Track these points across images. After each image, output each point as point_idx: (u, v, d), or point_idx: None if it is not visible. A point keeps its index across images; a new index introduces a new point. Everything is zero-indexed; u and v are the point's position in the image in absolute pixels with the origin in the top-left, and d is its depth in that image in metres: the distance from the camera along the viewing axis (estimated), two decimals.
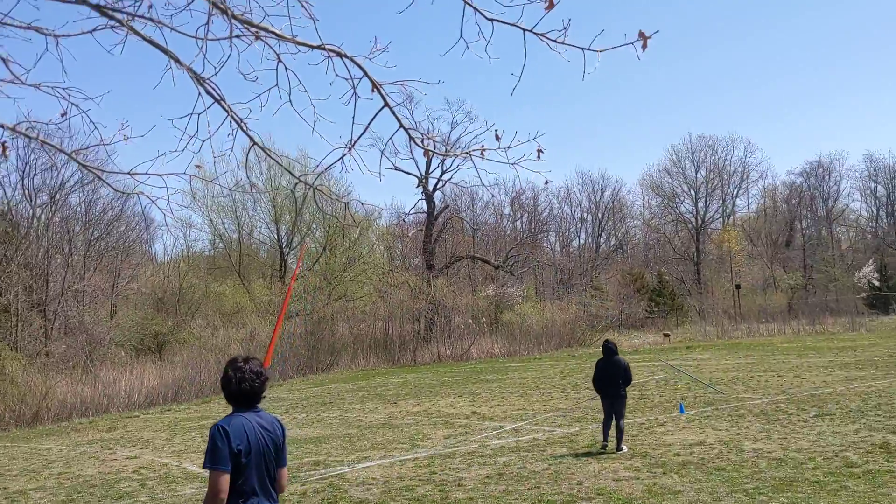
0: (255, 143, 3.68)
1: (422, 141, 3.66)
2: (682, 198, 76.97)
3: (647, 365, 28.48)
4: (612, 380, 11.91)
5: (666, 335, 46.74)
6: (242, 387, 3.99)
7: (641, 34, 2.93)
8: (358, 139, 3.62)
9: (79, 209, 41.09)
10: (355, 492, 9.96)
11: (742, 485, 8.88)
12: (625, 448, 11.66)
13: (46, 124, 4.56)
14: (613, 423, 11.91)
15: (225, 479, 3.75)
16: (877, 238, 73.09)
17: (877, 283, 59.46)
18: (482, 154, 3.63)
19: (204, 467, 3.86)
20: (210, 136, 3.56)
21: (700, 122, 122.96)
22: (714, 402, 16.43)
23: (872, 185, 74.62)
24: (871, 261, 63.32)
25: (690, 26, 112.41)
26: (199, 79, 3.39)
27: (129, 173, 4.10)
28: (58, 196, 37.93)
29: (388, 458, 12.36)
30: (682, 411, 15.23)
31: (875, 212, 75.54)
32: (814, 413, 13.93)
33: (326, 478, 11.03)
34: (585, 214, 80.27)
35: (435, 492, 9.63)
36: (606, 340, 12.43)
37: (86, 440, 17.69)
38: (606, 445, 11.78)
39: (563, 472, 10.24)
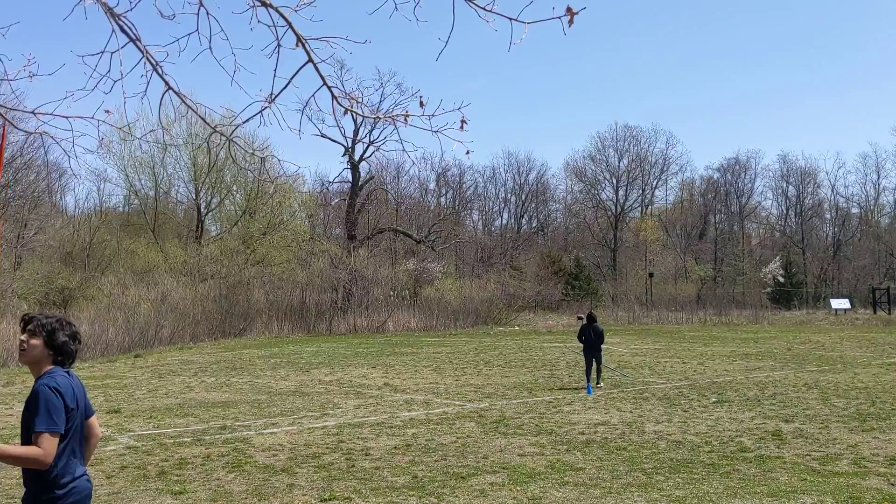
0: (169, 88, 3.53)
1: (345, 100, 3.58)
2: (603, 185, 78.55)
3: (558, 346, 29.11)
4: (592, 339, 16.54)
5: (579, 318, 47.69)
6: (76, 345, 3.87)
7: (569, 9, 2.93)
8: (280, 93, 3.51)
9: None
10: (261, 457, 9.86)
11: (641, 464, 9.16)
12: (601, 384, 16.47)
13: None
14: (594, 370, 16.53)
15: (56, 443, 3.62)
16: (784, 236, 76.16)
17: (781, 280, 61.99)
18: (405, 120, 3.57)
19: (39, 430, 3.57)
20: (122, 77, 3.40)
21: (626, 114, 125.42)
22: (620, 385, 16.90)
23: (784, 185, 77.65)
24: (777, 257, 65.93)
25: (624, 18, 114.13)
26: (112, 13, 3.21)
27: (32, 112, 3.88)
28: None
29: (296, 425, 12.28)
30: (589, 392, 15.60)
31: (785, 211, 78.64)
32: (713, 399, 14.47)
33: (232, 442, 10.89)
34: (509, 195, 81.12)
35: (341, 460, 9.62)
36: (590, 311, 17.92)
37: None
38: (591, 387, 15.87)
39: (469, 446, 10.37)
